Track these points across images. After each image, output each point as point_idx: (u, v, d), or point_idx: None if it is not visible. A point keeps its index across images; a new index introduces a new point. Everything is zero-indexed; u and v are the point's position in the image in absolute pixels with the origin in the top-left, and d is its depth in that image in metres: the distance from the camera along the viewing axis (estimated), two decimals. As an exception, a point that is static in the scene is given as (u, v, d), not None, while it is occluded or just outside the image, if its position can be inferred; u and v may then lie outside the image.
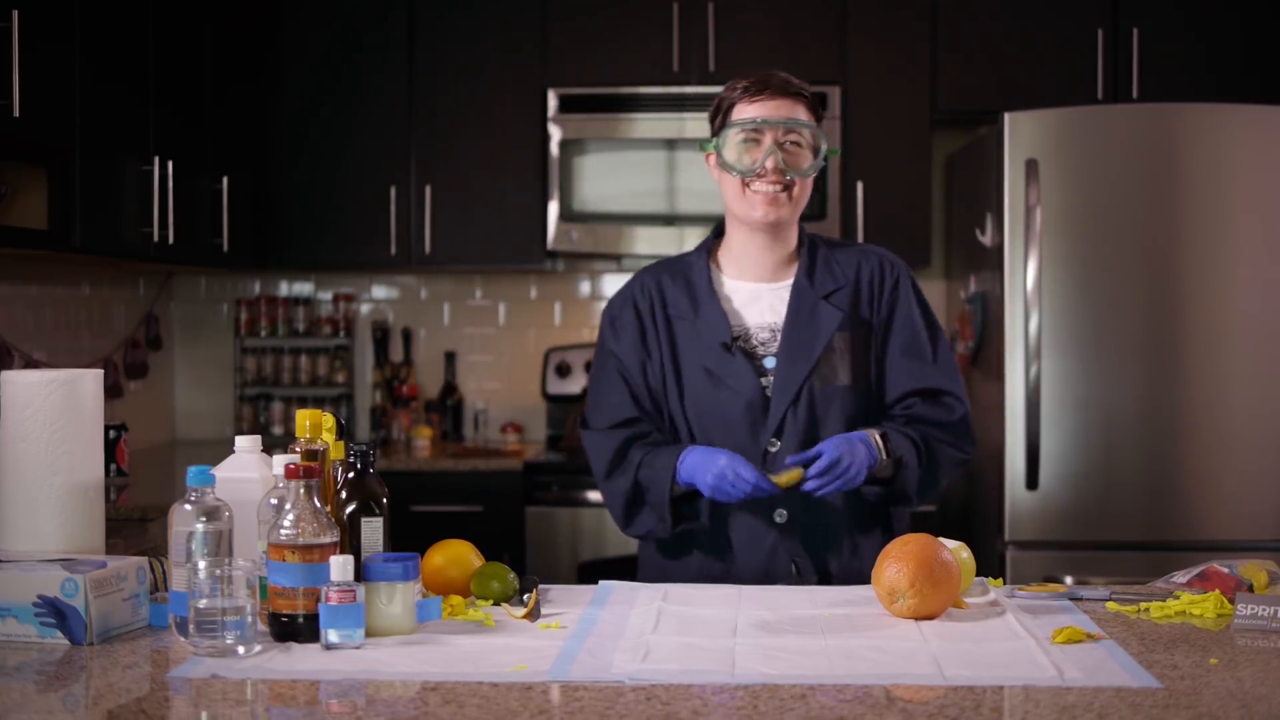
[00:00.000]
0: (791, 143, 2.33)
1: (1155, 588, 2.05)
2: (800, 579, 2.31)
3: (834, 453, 2.22)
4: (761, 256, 2.40)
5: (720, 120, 2.38)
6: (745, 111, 2.33)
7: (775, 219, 2.34)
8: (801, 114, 2.34)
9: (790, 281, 2.40)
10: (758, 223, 2.35)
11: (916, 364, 2.40)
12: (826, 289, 2.38)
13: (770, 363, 2.35)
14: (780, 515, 2.32)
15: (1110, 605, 1.98)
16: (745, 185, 2.33)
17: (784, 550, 2.32)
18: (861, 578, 2.27)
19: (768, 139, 2.32)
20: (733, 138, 2.33)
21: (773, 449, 2.32)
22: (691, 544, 2.38)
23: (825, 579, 2.32)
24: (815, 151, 2.34)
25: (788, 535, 2.33)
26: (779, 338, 2.36)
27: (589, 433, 2.43)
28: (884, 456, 2.29)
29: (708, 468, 2.24)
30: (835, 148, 2.35)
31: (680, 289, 2.41)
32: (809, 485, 2.23)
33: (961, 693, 1.55)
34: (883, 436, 2.31)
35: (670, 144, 4.42)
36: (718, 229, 2.47)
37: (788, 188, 2.33)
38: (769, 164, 2.31)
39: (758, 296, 2.40)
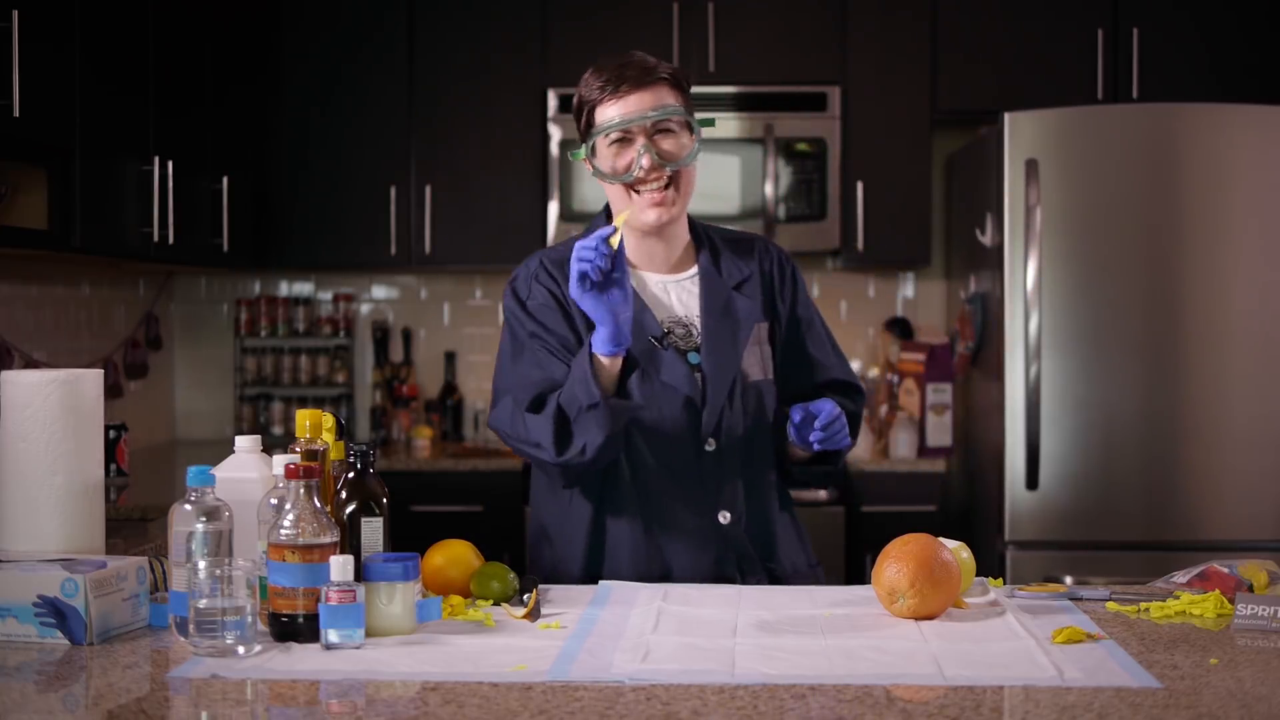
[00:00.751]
0: (663, 131, 2.20)
1: (1155, 588, 2.05)
2: (744, 583, 2.24)
3: (833, 409, 2.18)
4: (659, 252, 2.30)
5: (584, 123, 2.24)
6: (607, 112, 2.19)
7: (667, 220, 2.23)
8: (667, 97, 2.20)
9: (693, 271, 2.32)
10: (650, 226, 2.25)
11: (827, 357, 2.40)
12: (735, 279, 2.32)
13: (694, 358, 2.27)
14: (724, 516, 2.26)
15: (1110, 605, 1.98)
16: (629, 189, 2.22)
17: (729, 554, 2.25)
18: (799, 573, 2.31)
19: (639, 138, 2.18)
20: (601, 144, 2.20)
21: (710, 449, 2.25)
22: (622, 545, 2.26)
23: (774, 580, 2.28)
24: (691, 131, 2.21)
25: (731, 537, 2.26)
26: (694, 332, 2.28)
27: (499, 403, 2.25)
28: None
29: (587, 306, 2.09)
30: (709, 118, 2.26)
31: None
32: (814, 436, 2.17)
33: (961, 693, 1.55)
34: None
35: (670, 144, 4.42)
36: (606, 213, 2.33)
37: (671, 182, 2.21)
38: (645, 163, 2.18)
39: (665, 289, 2.30)
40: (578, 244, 2.10)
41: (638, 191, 2.22)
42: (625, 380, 2.21)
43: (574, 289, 2.08)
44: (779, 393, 2.34)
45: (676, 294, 2.31)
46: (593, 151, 2.22)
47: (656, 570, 2.24)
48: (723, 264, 2.33)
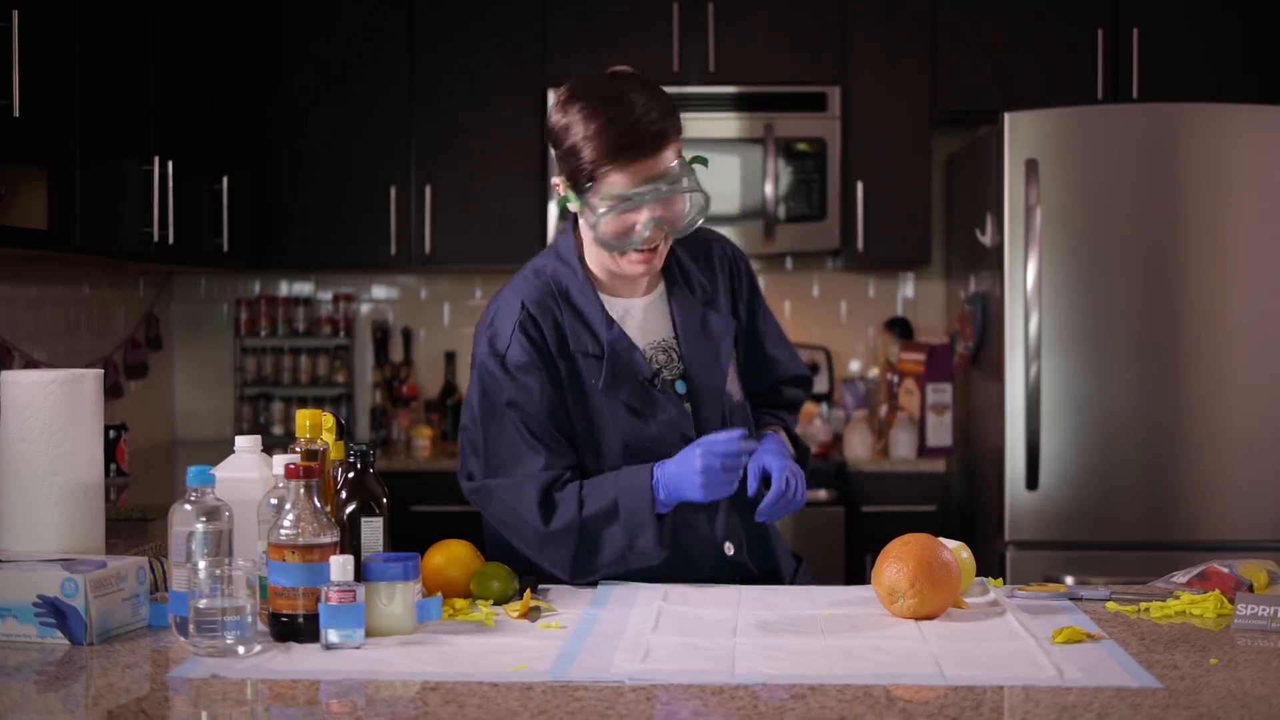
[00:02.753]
0: (669, 200, 2.08)
1: (1155, 588, 2.05)
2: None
3: (780, 481, 2.11)
4: (629, 281, 2.21)
5: (583, 182, 2.07)
6: (616, 182, 2.04)
7: (651, 272, 2.16)
8: (670, 155, 2.07)
9: (661, 289, 2.24)
10: (634, 278, 2.18)
11: (784, 352, 2.38)
12: (704, 294, 2.25)
13: (681, 386, 2.21)
14: (729, 548, 2.23)
15: (1110, 605, 1.98)
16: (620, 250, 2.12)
17: (738, 582, 2.20)
18: (793, 576, 2.31)
19: (644, 210, 2.07)
20: (597, 204, 2.06)
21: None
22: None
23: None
24: (694, 186, 2.09)
25: (739, 566, 2.23)
26: (674, 355, 2.21)
27: (492, 482, 2.12)
28: (793, 451, 2.28)
29: (689, 473, 2.04)
30: (702, 157, 2.16)
31: (574, 318, 2.16)
32: (762, 516, 2.12)
33: (961, 693, 1.55)
34: (785, 431, 2.33)
35: (670, 144, 4.42)
36: (573, 222, 2.22)
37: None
38: (649, 234, 2.07)
39: (638, 313, 2.22)
40: (724, 447, 2.02)
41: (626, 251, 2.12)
42: (618, 426, 2.15)
43: (700, 485, 2.02)
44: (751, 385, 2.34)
45: (650, 316, 2.24)
46: (584, 211, 2.09)
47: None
48: (692, 279, 2.25)
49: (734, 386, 2.27)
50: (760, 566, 2.28)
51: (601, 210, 2.07)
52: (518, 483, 2.10)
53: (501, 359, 2.13)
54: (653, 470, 2.09)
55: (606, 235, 2.09)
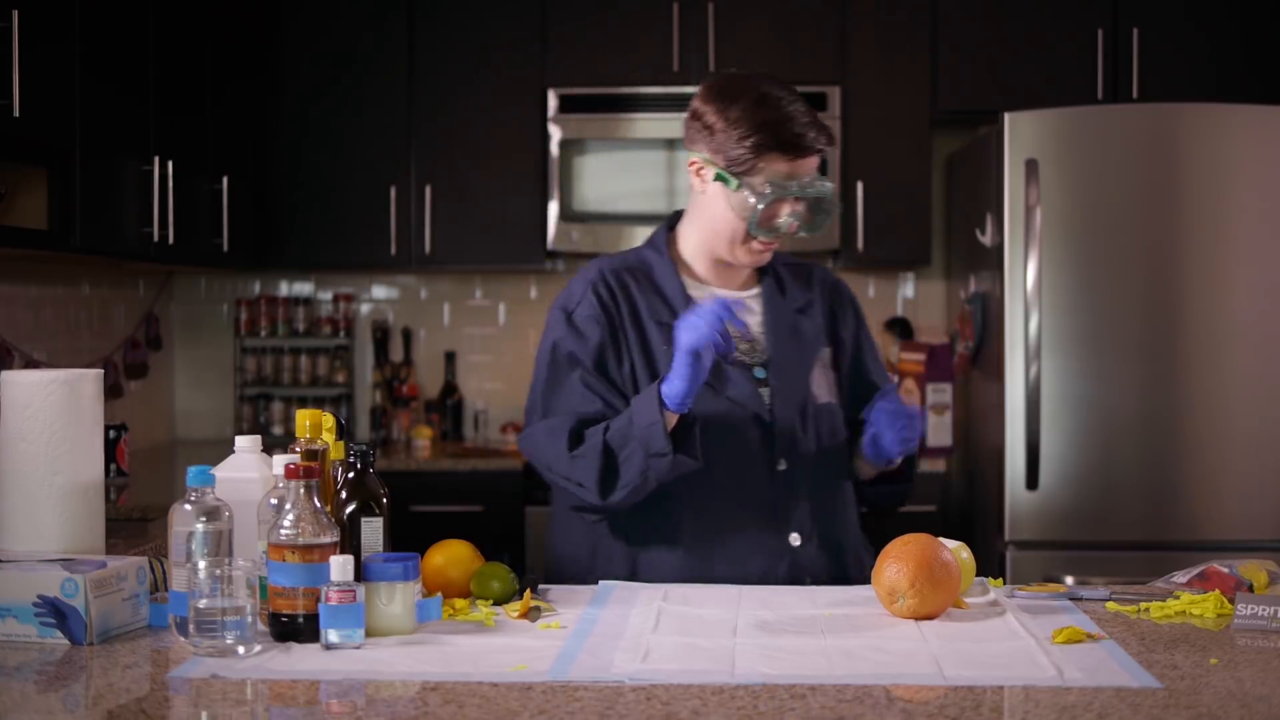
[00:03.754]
0: (819, 194, 2.23)
1: (1155, 588, 2.05)
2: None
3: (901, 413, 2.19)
4: (729, 272, 2.32)
5: (743, 159, 2.19)
6: (780, 168, 2.18)
7: (763, 263, 2.30)
8: (816, 160, 2.23)
9: (756, 291, 2.33)
10: (745, 265, 2.29)
11: (885, 383, 2.39)
12: (798, 302, 2.33)
13: (760, 372, 2.26)
14: (795, 538, 2.23)
15: (1110, 605, 1.98)
16: (749, 234, 2.22)
17: (801, 576, 2.22)
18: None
19: (790, 202, 2.21)
20: (758, 190, 2.18)
21: (781, 468, 2.23)
22: (667, 573, 2.20)
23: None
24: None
25: (803, 558, 2.24)
26: (759, 347, 2.28)
27: (532, 427, 2.23)
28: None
29: (682, 367, 2.05)
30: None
31: (649, 289, 2.27)
32: (898, 441, 2.17)
33: (961, 693, 1.55)
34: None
35: (670, 144, 4.42)
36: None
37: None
38: (791, 228, 2.21)
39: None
40: (702, 310, 2.05)
41: (753, 235, 2.22)
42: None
43: (685, 350, 2.04)
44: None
45: (742, 310, 2.30)
46: (735, 189, 2.19)
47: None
48: (787, 287, 2.34)
49: (823, 391, 2.29)
50: (831, 566, 2.27)
51: (766, 191, 2.17)
52: (554, 421, 2.18)
53: (569, 314, 2.25)
54: (658, 383, 2.12)
55: (754, 218, 2.19)
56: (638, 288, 2.27)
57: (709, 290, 2.30)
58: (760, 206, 2.18)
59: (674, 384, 2.08)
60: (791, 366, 2.27)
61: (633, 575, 2.22)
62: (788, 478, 2.24)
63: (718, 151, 2.21)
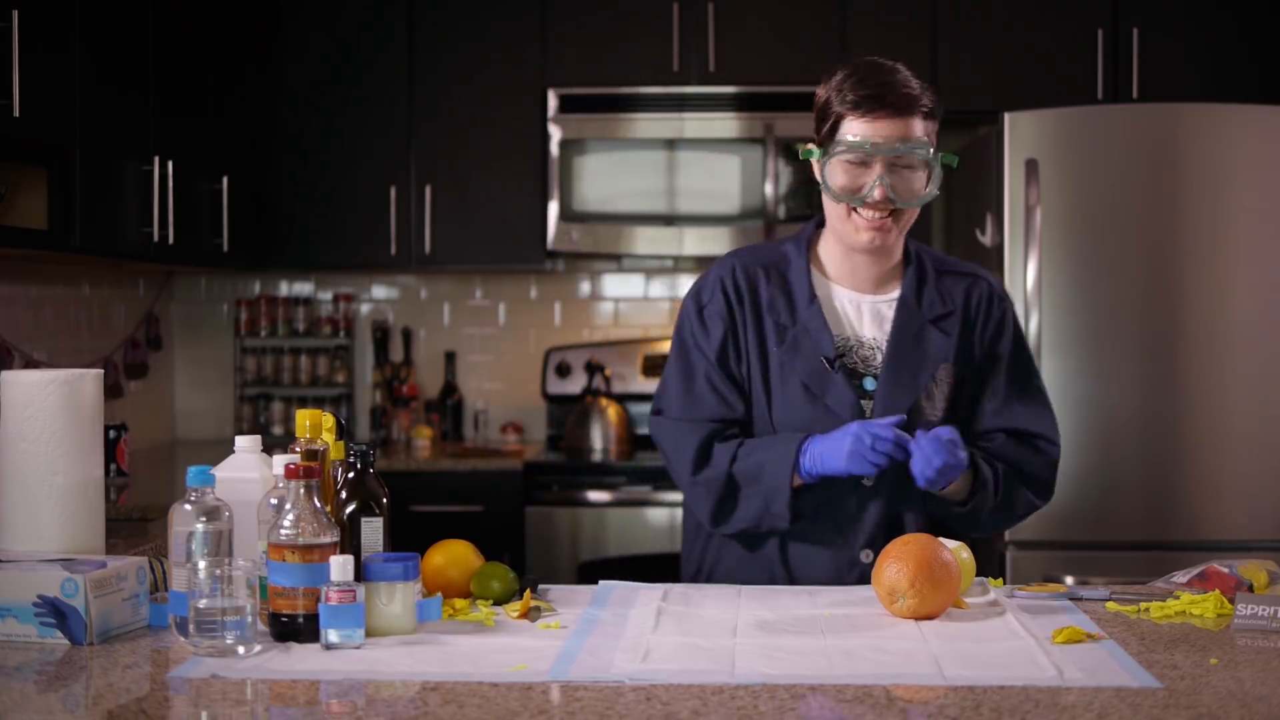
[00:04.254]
0: (904, 166, 2.14)
1: (1155, 588, 2.05)
2: None
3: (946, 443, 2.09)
4: (863, 269, 2.25)
5: (826, 130, 2.16)
6: (854, 129, 2.13)
7: (880, 245, 2.18)
8: (918, 128, 2.14)
9: (895, 295, 2.25)
10: (862, 248, 2.20)
11: (1013, 402, 2.29)
12: (935, 312, 2.24)
13: (870, 384, 2.21)
14: (866, 555, 2.20)
15: (1110, 605, 1.98)
16: (850, 208, 2.17)
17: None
18: None
19: (877, 165, 2.13)
20: (839, 158, 2.14)
21: (868, 484, 2.19)
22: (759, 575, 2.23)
23: None
24: (929, 171, 2.16)
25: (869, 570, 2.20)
26: (878, 355, 2.22)
27: (666, 420, 2.26)
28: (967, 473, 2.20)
29: (838, 446, 2.08)
30: (953, 155, 2.21)
31: (776, 287, 2.24)
32: (919, 480, 2.09)
33: (961, 693, 1.55)
34: (981, 466, 2.23)
35: (670, 144, 4.42)
36: (819, 220, 2.30)
37: (895, 212, 2.16)
38: (877, 194, 2.13)
39: (859, 307, 2.25)
40: (879, 446, 2.04)
41: (858, 210, 2.16)
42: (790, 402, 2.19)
43: (844, 461, 2.07)
44: (969, 430, 2.26)
45: (870, 314, 2.25)
46: (824, 162, 2.16)
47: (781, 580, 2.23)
48: (925, 293, 2.25)
49: (932, 409, 2.22)
50: None
51: (839, 150, 2.13)
52: (685, 426, 2.23)
53: (700, 307, 2.27)
54: (802, 440, 2.14)
55: (835, 184, 2.15)
56: (766, 284, 2.25)
57: (836, 290, 2.25)
58: (834, 166, 2.14)
59: (819, 464, 2.12)
60: (902, 378, 2.20)
61: (710, 571, 2.28)
62: (871, 495, 2.20)
63: (816, 130, 2.20)
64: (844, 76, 2.16)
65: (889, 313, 2.25)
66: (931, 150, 2.16)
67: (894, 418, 2.11)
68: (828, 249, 2.28)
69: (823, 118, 2.18)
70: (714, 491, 2.19)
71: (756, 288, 2.24)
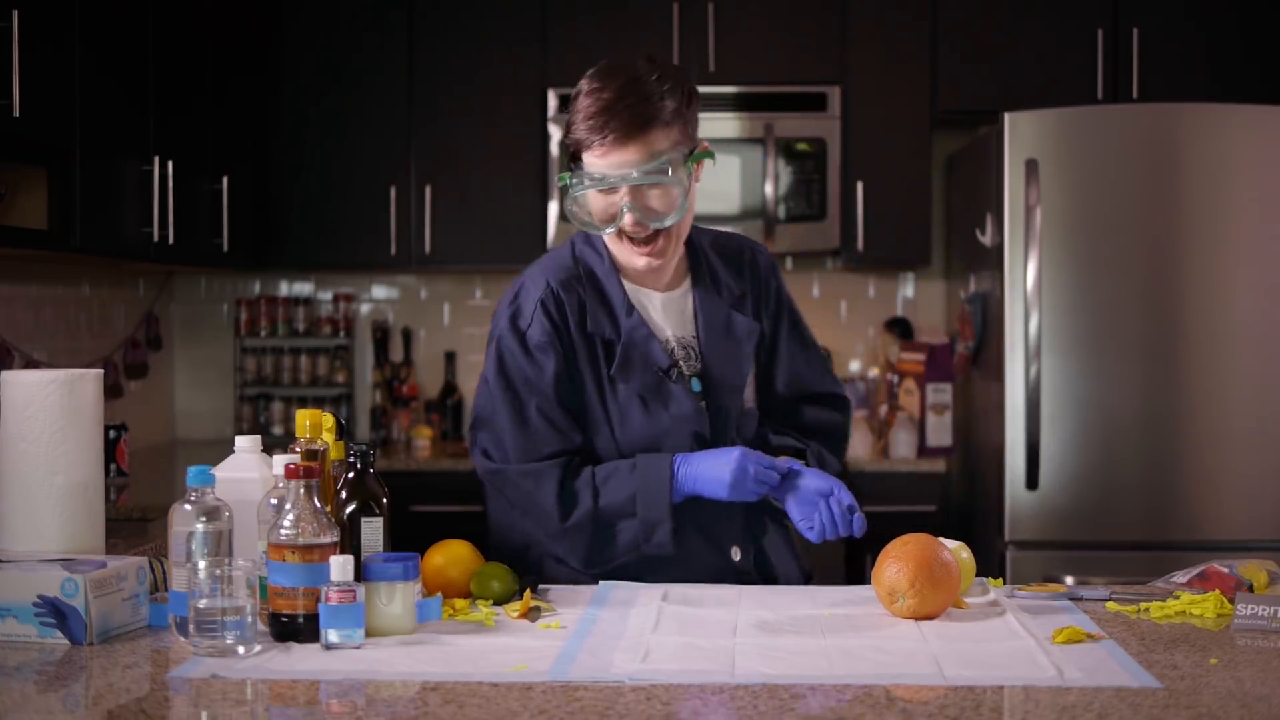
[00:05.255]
0: (651, 187, 2.06)
1: (1155, 588, 2.05)
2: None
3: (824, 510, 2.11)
4: (651, 275, 2.19)
5: (570, 158, 2.10)
6: (590, 161, 2.06)
7: (658, 266, 2.14)
8: (659, 141, 2.05)
9: (687, 285, 2.23)
10: (641, 272, 2.15)
11: (800, 367, 2.29)
12: (731, 295, 2.22)
13: (697, 385, 2.19)
14: (736, 553, 2.21)
15: (1110, 605, 1.98)
16: (620, 234, 2.10)
17: (747, 583, 2.20)
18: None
19: (622, 192, 2.06)
20: (577, 187, 2.07)
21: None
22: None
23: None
24: (684, 174, 2.08)
25: (743, 573, 2.22)
26: (692, 354, 2.20)
27: (509, 471, 2.15)
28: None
29: (719, 474, 2.07)
30: (706, 152, 2.14)
31: (594, 300, 2.16)
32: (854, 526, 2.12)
33: (961, 693, 1.55)
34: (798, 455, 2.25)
35: (670, 144, 4.42)
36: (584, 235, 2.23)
37: (659, 232, 2.10)
38: (627, 222, 2.06)
39: (663, 307, 2.21)
40: (764, 462, 2.05)
41: (623, 241, 2.11)
42: (630, 414, 2.15)
43: (728, 484, 2.06)
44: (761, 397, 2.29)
45: (673, 312, 2.23)
46: (574, 193, 2.10)
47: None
48: (720, 279, 2.23)
49: (749, 393, 2.25)
50: (763, 575, 2.27)
51: (576, 187, 2.08)
52: (536, 471, 2.13)
53: (522, 336, 2.15)
54: (673, 464, 2.11)
55: (589, 213, 2.10)
56: (586, 296, 2.17)
57: (645, 297, 2.20)
58: (579, 204, 2.09)
59: (693, 486, 2.10)
60: (727, 372, 2.19)
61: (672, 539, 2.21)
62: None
63: (564, 157, 2.15)
64: (579, 105, 2.07)
65: (686, 305, 2.22)
66: (671, 165, 2.06)
67: (782, 462, 2.12)
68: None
69: (565, 145, 2.11)
70: (586, 534, 2.12)
71: (582, 303, 2.15)
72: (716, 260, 2.27)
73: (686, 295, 2.24)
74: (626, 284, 2.20)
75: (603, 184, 2.05)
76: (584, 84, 2.10)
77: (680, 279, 2.25)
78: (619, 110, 2.03)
